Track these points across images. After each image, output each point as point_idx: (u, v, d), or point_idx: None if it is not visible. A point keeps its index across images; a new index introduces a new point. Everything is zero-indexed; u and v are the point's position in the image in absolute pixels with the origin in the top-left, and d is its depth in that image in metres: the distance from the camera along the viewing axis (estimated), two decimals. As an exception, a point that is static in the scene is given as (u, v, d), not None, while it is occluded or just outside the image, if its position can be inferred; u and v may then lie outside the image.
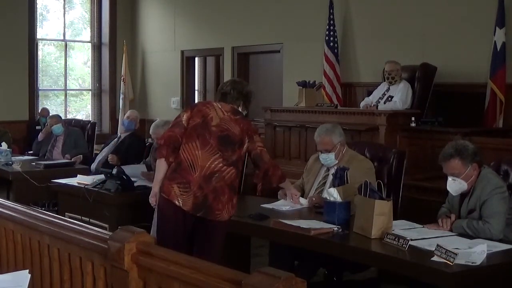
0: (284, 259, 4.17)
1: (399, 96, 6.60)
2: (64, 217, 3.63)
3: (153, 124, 5.86)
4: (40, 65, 11.04)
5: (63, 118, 8.44)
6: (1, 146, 7.15)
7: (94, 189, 5.20)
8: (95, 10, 11.48)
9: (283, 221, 3.89)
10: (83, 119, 10.46)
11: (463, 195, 3.80)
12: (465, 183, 3.73)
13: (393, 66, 6.70)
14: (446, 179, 3.86)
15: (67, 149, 7.47)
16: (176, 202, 3.72)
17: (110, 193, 5.09)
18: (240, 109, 3.92)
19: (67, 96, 11.48)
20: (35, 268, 3.07)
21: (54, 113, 9.01)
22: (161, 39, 10.97)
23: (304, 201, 4.49)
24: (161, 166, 3.84)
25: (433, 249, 3.15)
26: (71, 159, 7.23)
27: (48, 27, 11.32)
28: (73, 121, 8.52)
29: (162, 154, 3.81)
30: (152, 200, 3.93)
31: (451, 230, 3.70)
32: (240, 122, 3.85)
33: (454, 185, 3.77)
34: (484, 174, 3.75)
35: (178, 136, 3.79)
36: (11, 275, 2.33)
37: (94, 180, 5.36)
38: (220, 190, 3.73)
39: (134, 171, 5.65)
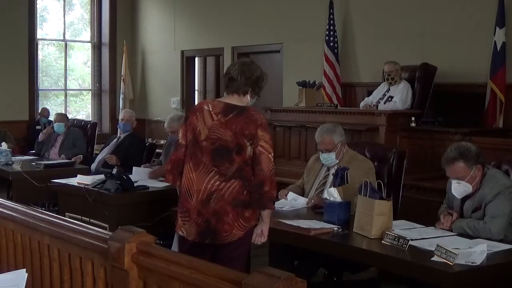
0: (284, 259, 4.17)
1: (399, 96, 6.60)
2: (64, 217, 3.62)
3: (168, 118, 5.92)
4: (40, 65, 11.04)
5: (63, 118, 8.42)
6: (1, 146, 7.15)
7: (94, 189, 5.19)
8: (95, 10, 11.48)
9: (283, 221, 3.88)
10: (84, 119, 10.45)
11: (466, 196, 3.78)
12: (470, 185, 3.71)
13: (392, 67, 6.70)
14: (447, 179, 3.85)
15: (64, 149, 7.46)
16: (180, 233, 3.52)
17: (110, 193, 5.09)
18: (248, 98, 3.51)
19: (67, 96, 11.48)
20: (35, 268, 3.07)
21: (55, 113, 9.00)
22: (161, 39, 10.97)
23: (291, 196, 4.49)
24: None
25: (433, 249, 3.15)
26: (71, 159, 7.22)
27: (48, 28, 11.32)
28: (75, 121, 8.51)
29: (169, 179, 3.61)
30: None
31: (451, 230, 3.70)
32: (232, 123, 3.39)
33: (459, 189, 3.75)
34: (491, 174, 3.74)
35: (182, 158, 3.53)
36: (8, 274, 2.32)
37: (94, 180, 5.35)
38: (222, 211, 3.38)
39: (141, 175, 5.65)
